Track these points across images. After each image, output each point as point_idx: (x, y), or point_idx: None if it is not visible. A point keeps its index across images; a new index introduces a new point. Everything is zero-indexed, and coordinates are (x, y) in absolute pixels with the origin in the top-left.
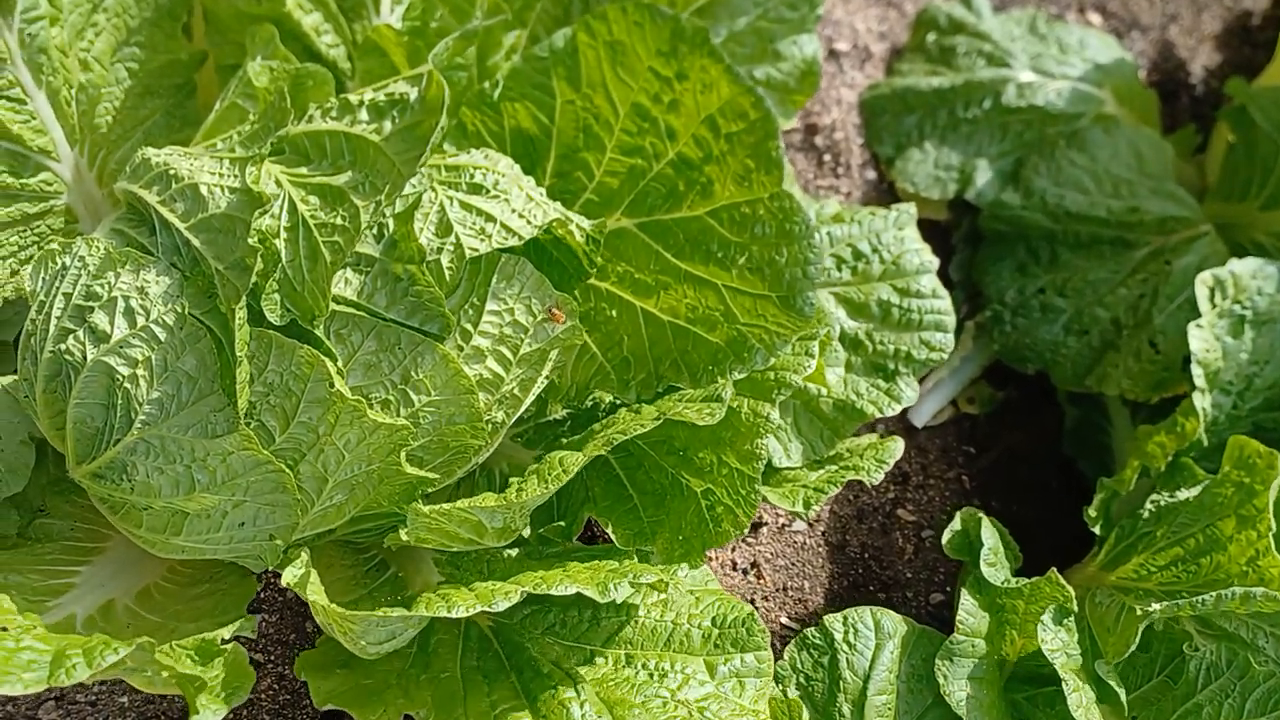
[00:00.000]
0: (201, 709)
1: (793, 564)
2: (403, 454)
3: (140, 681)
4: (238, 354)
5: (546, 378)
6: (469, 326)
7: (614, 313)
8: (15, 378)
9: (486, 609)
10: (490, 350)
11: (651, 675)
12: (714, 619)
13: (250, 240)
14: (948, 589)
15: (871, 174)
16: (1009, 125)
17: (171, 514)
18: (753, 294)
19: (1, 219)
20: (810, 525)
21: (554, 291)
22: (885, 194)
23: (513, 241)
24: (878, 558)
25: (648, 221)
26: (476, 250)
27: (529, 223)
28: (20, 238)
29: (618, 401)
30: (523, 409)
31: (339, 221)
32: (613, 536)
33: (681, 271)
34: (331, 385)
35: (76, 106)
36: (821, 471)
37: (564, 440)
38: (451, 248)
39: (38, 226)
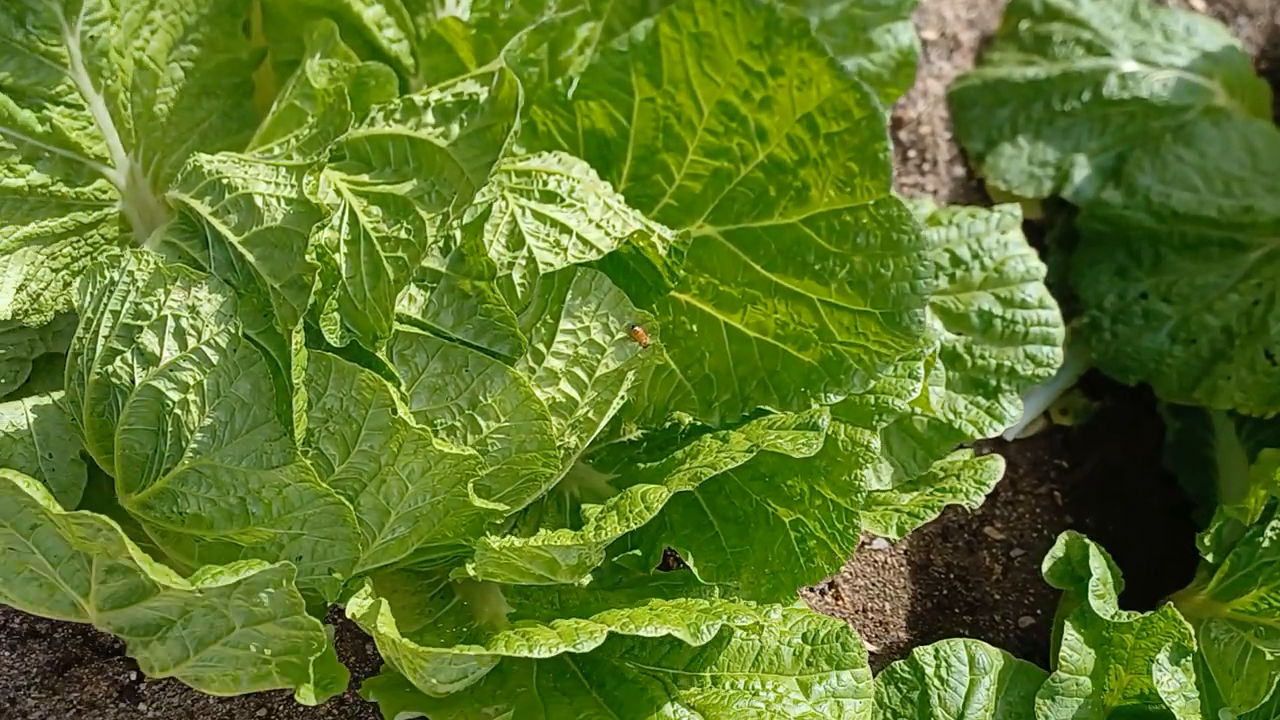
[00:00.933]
0: (303, 695)
1: (872, 584)
2: (469, 484)
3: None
4: (295, 381)
5: (622, 398)
6: (541, 347)
7: (694, 327)
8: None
9: (570, 649)
10: (564, 372)
11: (742, 693)
12: (804, 635)
13: (308, 257)
14: (1038, 612)
15: (960, 170)
16: (1110, 118)
17: (225, 546)
18: (852, 310)
19: (55, 230)
20: (891, 543)
21: (633, 308)
22: (974, 192)
23: (590, 256)
24: (964, 578)
25: (734, 230)
26: (551, 265)
27: (607, 234)
28: (74, 248)
29: (699, 424)
30: (597, 432)
31: (403, 235)
32: (693, 569)
33: (771, 284)
34: (394, 412)
35: (131, 109)
36: (916, 494)
37: (641, 465)
38: (524, 262)
39: (91, 236)
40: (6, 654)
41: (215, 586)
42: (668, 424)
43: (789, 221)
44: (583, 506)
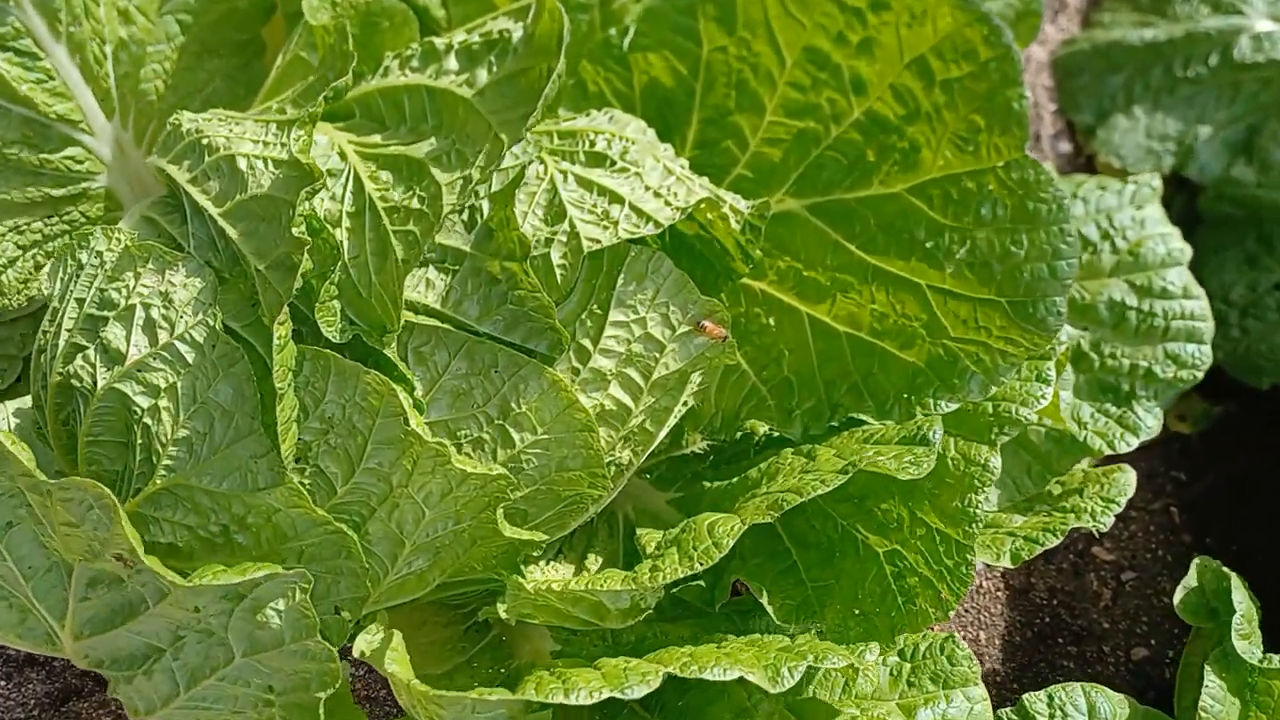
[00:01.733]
0: None
1: (966, 610)
2: (500, 510)
3: None
4: (279, 384)
5: (685, 404)
6: (587, 343)
7: (771, 321)
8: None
9: (617, 694)
10: (615, 374)
11: None
12: (900, 651)
13: (295, 230)
14: (1152, 642)
15: (1066, 146)
16: (1241, 85)
17: None
18: (972, 298)
19: (18, 200)
20: (988, 564)
21: (700, 296)
22: (1082, 169)
23: (646, 230)
24: (1068, 604)
25: (823, 203)
26: (598, 242)
27: (668, 204)
28: (46, 224)
29: (776, 434)
30: (654, 445)
31: (415, 204)
32: (768, 608)
33: (868, 268)
34: (407, 422)
35: (114, 67)
36: (1032, 516)
37: (707, 483)
38: (565, 238)
39: (68, 213)
40: (2, 683)
41: (216, 585)
42: (739, 434)
43: (892, 191)
44: (638, 533)
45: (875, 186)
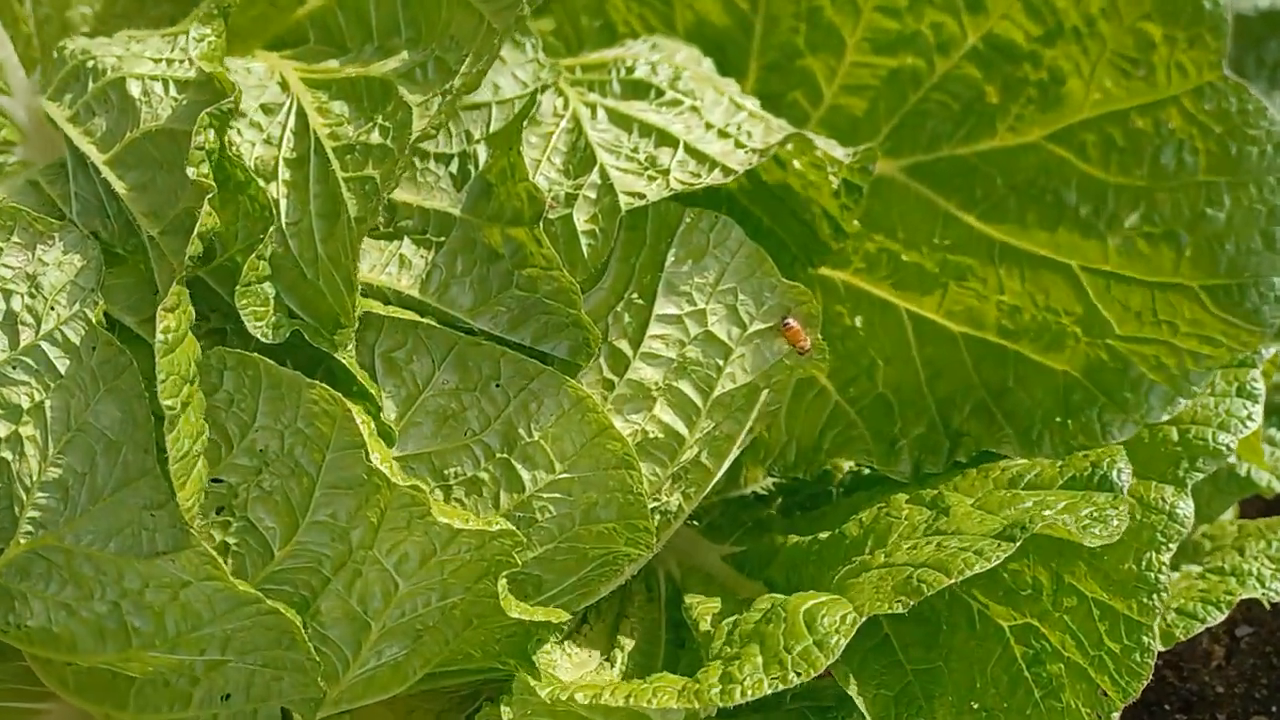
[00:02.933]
0: None
1: None
2: (502, 580)
3: None
4: (166, 401)
5: (750, 430)
6: (624, 345)
7: (858, 321)
8: None
9: None
10: (662, 388)
11: None
12: None
13: (192, 170)
14: (1273, 709)
15: None
16: None
17: (111, 676)
18: (1147, 283)
19: None
20: None
21: (781, 280)
22: None
23: (712, 178)
24: (1175, 664)
25: (927, 162)
26: (641, 197)
27: (739, 145)
28: None
29: (870, 471)
30: (711, 484)
31: (374, 138)
32: (858, 700)
33: (994, 245)
34: (369, 456)
35: (34, 9)
36: (1181, 578)
37: (777, 535)
38: (594, 193)
39: None
40: None
41: None
42: (818, 471)
43: (1026, 140)
44: (687, 600)
45: (1001, 136)
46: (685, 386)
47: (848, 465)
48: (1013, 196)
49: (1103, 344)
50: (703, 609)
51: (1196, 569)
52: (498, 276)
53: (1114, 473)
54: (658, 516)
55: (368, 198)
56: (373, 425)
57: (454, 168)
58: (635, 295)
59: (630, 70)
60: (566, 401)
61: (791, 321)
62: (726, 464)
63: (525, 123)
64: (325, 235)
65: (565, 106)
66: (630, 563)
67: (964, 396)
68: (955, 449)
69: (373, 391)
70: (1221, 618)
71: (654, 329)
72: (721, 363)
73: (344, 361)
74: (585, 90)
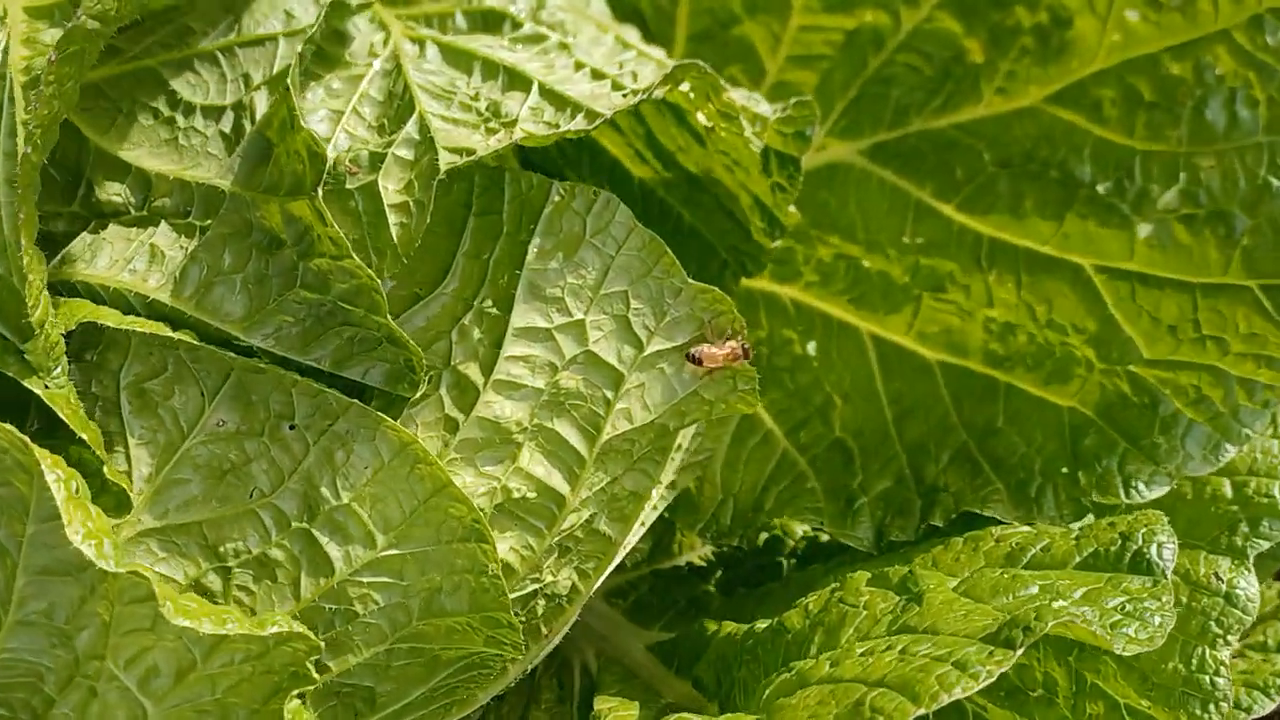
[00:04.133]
0: None
1: None
2: (291, 701)
3: None
4: None
5: (670, 485)
6: (472, 370)
7: (810, 348)
8: None
9: None
10: (529, 429)
11: None
12: None
13: None
14: None
15: None
16: None
17: None
18: (1188, 284)
19: None
20: None
21: (688, 281)
22: None
23: (573, 124)
24: None
25: (893, 141)
26: (469, 154)
27: (616, 86)
28: None
29: (826, 538)
30: (617, 557)
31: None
32: None
33: (980, 243)
34: (67, 528)
35: None
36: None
37: (709, 622)
38: (409, 153)
39: None
40: None
41: None
42: (763, 536)
43: (1020, 105)
44: (596, 707)
45: (988, 101)
46: (563, 427)
47: (802, 529)
48: (1004, 177)
49: (1123, 371)
50: (616, 718)
51: (1251, 660)
52: (280, 273)
53: (1151, 548)
54: (541, 601)
55: (45, 123)
56: (64, 487)
57: (227, 124)
58: (488, 303)
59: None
60: (386, 449)
61: (705, 345)
62: (636, 530)
63: (326, 62)
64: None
65: (386, 43)
66: (508, 663)
67: (941, 441)
68: (930, 509)
69: (91, 434)
70: (1272, 706)
71: (514, 348)
72: (611, 394)
73: (50, 390)
74: (418, 25)
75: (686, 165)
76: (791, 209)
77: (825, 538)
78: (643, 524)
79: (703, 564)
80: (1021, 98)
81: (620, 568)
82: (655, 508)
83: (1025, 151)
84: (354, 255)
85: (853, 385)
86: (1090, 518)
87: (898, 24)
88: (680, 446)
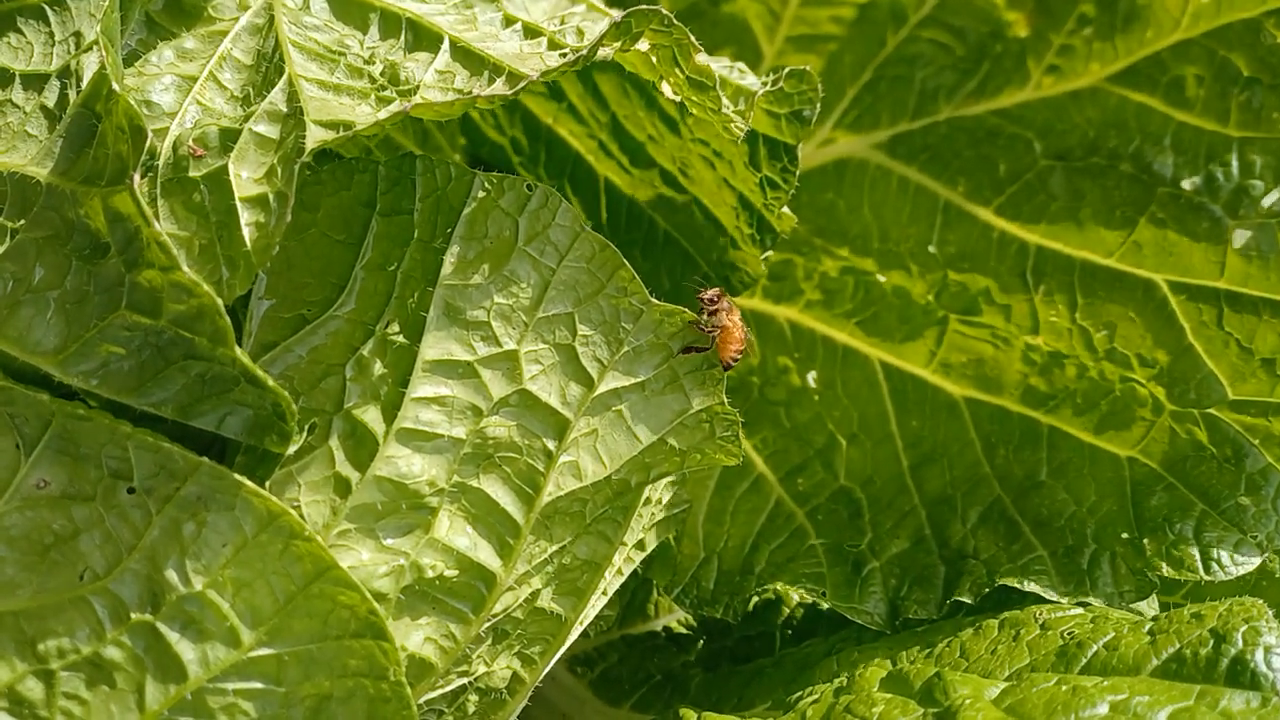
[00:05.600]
0: None
1: None
2: None
3: None
4: None
5: (637, 546)
6: (370, 415)
7: (810, 378)
8: None
9: None
10: (446, 490)
11: None
12: None
13: None
14: None
15: None
16: None
17: None
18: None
19: None
20: None
21: (650, 300)
22: None
23: (492, 89)
24: None
25: (917, 131)
26: (345, 128)
27: (554, 44)
28: None
29: (828, 608)
30: (569, 636)
31: None
32: None
33: (1025, 254)
34: None
35: None
36: None
37: (690, 708)
38: (271, 129)
39: None
40: None
41: None
42: (752, 601)
43: (1078, 85)
44: None
45: (1037, 82)
46: (492, 487)
47: (794, 599)
48: (1059, 173)
49: (1200, 415)
50: None
51: None
52: (103, 288)
53: (1256, 653)
54: (474, 697)
55: None
56: None
57: (50, 96)
58: (393, 328)
59: None
60: (250, 521)
61: (688, 371)
62: (595, 602)
63: (183, 15)
64: None
65: None
66: None
67: (970, 495)
68: (957, 580)
69: None
70: None
71: (425, 386)
72: (553, 445)
73: None
74: None
75: (659, 159)
76: (786, 211)
77: (826, 605)
78: (604, 593)
79: (683, 630)
80: (1079, 77)
81: (585, 633)
82: (620, 572)
83: (1087, 142)
84: (183, 266)
85: (861, 424)
86: (1155, 600)
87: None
88: (650, 500)
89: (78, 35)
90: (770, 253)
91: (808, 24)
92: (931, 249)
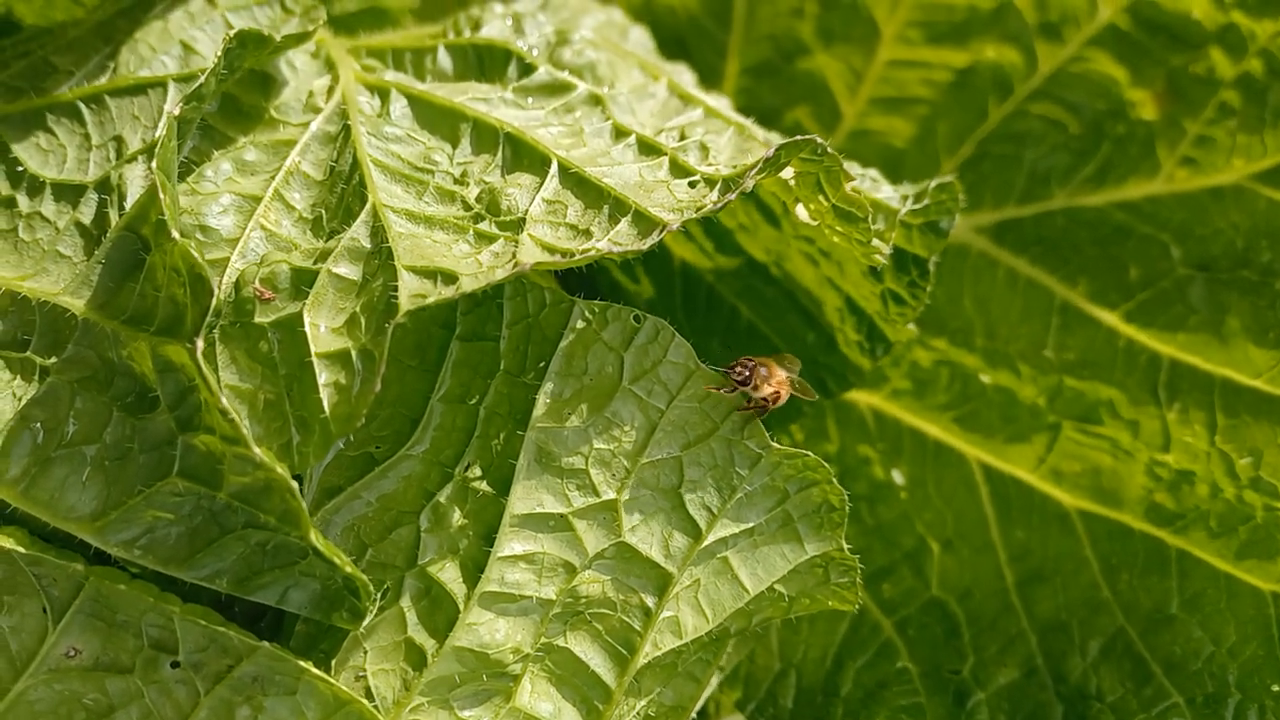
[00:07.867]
0: None
1: None
2: None
3: None
4: None
5: (719, 670)
6: (449, 574)
7: (895, 475)
8: None
9: None
10: (531, 655)
11: None
12: None
13: None
14: None
15: None
16: None
17: None
18: None
19: None
20: None
21: (771, 444)
22: None
23: (618, 247)
24: None
25: (1027, 220)
26: (448, 279)
27: (680, 167)
28: None
29: None
30: None
31: None
32: None
33: (1158, 367)
34: None
35: None
36: None
37: None
38: (354, 271)
39: None
40: None
41: None
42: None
43: (1218, 183)
44: None
45: (1169, 174)
46: (581, 646)
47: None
48: (1199, 284)
49: None
50: None
51: None
52: (149, 447)
53: None
54: None
55: None
56: None
57: (87, 212)
58: (475, 472)
59: (476, 26)
60: (314, 708)
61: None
62: None
63: (241, 119)
64: None
65: (332, 92)
66: None
67: (1089, 623)
68: (1074, 715)
69: None
70: None
71: (513, 543)
72: (653, 601)
73: None
74: (381, 65)
75: (749, 248)
76: (901, 317)
77: None
78: None
79: None
80: (1219, 173)
81: None
82: (700, 701)
83: (1235, 252)
84: (253, 446)
85: (957, 529)
86: None
87: (1032, 64)
88: (733, 639)
89: (118, 141)
90: (879, 355)
91: (894, 85)
92: (1047, 353)
